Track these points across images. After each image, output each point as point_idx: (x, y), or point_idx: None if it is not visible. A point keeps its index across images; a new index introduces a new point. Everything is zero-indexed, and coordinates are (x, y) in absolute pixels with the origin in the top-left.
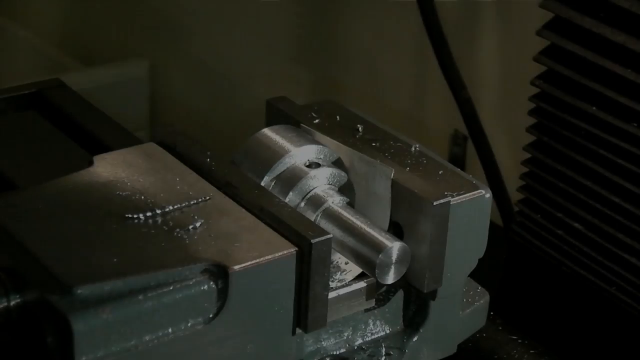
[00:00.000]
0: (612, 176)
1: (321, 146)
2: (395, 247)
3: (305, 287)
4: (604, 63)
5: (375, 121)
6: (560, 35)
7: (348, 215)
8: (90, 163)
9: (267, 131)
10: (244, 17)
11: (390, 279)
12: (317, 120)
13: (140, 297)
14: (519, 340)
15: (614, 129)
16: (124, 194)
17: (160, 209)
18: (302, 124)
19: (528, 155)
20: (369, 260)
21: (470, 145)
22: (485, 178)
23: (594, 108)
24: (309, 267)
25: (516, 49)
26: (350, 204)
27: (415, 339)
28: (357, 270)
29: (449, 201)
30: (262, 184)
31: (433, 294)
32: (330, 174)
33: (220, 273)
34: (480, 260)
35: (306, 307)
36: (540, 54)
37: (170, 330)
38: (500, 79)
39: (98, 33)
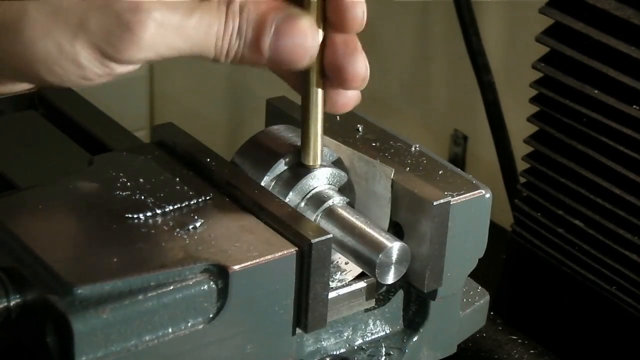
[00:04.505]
0: (615, 166)
1: None
2: (395, 247)
3: (305, 287)
4: (607, 40)
5: (375, 121)
6: (564, 13)
7: (348, 215)
8: (90, 163)
9: (267, 131)
10: None
11: (390, 279)
12: None
13: (140, 297)
14: (519, 340)
15: (618, 114)
16: (124, 194)
17: (160, 209)
18: None
19: (528, 151)
20: (369, 260)
21: (470, 145)
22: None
23: (596, 91)
24: (309, 267)
25: (520, 50)
26: (350, 204)
27: (415, 339)
28: (357, 270)
29: (449, 201)
30: (262, 184)
31: (433, 294)
32: (330, 174)
33: (220, 273)
34: (480, 260)
35: (306, 307)
36: (543, 34)
37: (170, 330)
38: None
39: None
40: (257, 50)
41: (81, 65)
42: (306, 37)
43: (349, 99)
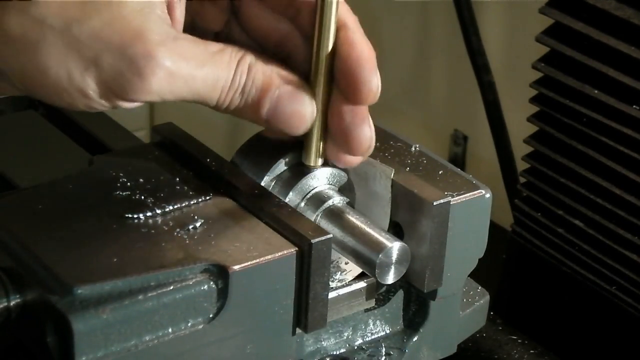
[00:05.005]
0: (615, 166)
1: None
2: (395, 247)
3: (305, 287)
4: (607, 40)
5: (375, 121)
6: (564, 13)
7: (348, 215)
8: (90, 163)
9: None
10: None
11: (390, 279)
12: None
13: (140, 297)
14: (519, 340)
15: (618, 114)
16: (124, 194)
17: (160, 209)
18: None
19: (528, 151)
20: (369, 260)
21: (470, 145)
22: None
23: (596, 91)
24: (309, 267)
25: (520, 49)
26: (350, 204)
27: (415, 339)
28: (357, 270)
29: (449, 201)
30: (262, 184)
31: (433, 294)
32: (330, 174)
33: (220, 273)
34: (480, 260)
35: (306, 307)
36: (543, 34)
37: (170, 330)
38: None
39: None
40: (256, 111)
41: (87, 97)
42: (305, 107)
43: (354, 159)
